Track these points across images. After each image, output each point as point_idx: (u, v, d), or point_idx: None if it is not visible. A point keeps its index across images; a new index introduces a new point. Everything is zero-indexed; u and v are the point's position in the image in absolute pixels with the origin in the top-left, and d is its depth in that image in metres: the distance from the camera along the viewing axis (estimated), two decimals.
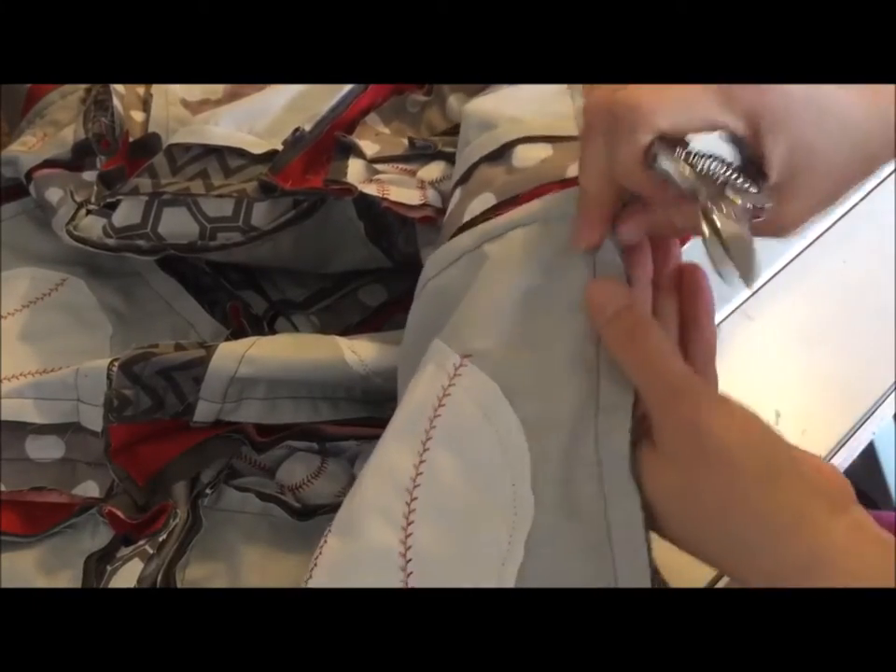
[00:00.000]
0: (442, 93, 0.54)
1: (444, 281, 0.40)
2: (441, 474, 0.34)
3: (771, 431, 0.31)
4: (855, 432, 0.52)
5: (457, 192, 0.43)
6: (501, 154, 0.42)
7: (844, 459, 0.51)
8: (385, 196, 0.46)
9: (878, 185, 0.66)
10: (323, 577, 0.35)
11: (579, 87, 0.45)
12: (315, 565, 0.35)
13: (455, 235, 0.41)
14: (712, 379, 0.36)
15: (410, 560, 0.33)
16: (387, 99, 0.56)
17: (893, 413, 0.56)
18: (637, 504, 0.31)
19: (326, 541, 0.35)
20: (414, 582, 0.33)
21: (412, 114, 0.56)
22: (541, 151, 0.41)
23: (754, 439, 0.30)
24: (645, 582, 0.30)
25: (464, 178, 0.43)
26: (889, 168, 0.67)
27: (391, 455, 0.35)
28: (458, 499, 0.33)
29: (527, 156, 0.41)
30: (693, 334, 0.36)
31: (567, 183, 0.38)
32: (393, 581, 0.33)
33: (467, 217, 0.40)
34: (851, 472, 0.56)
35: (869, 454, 0.98)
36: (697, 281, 0.37)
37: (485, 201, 0.40)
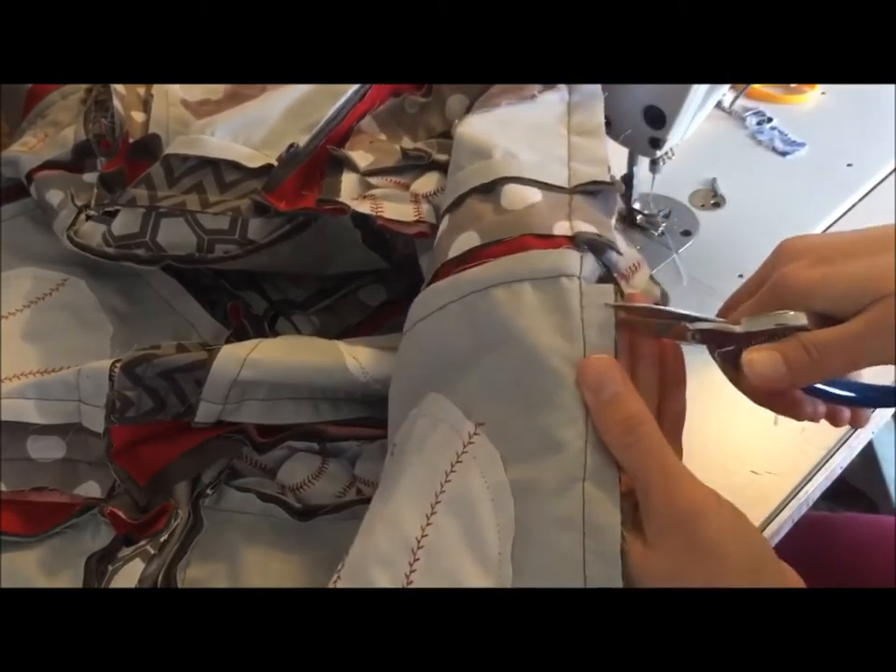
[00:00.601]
0: (442, 94, 0.54)
1: (434, 328, 0.40)
2: (443, 538, 0.34)
3: (756, 530, 0.33)
4: (854, 432, 0.52)
5: (446, 219, 0.43)
6: (492, 189, 0.42)
7: (843, 459, 0.51)
8: (378, 213, 0.46)
9: (878, 185, 0.66)
10: None
11: (576, 126, 0.45)
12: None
13: (439, 271, 0.41)
14: (678, 449, 0.36)
15: None
16: (385, 102, 0.56)
17: (893, 412, 0.56)
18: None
19: (337, 581, 0.36)
20: None
21: (410, 115, 0.55)
22: (530, 195, 0.41)
23: (743, 535, 0.32)
24: None
25: (454, 206, 0.43)
26: (888, 167, 0.67)
27: (403, 511, 0.36)
28: (454, 562, 0.34)
29: (516, 197, 0.40)
30: (665, 404, 0.37)
31: (550, 240, 0.38)
32: None
33: (451, 254, 0.40)
34: (851, 472, 0.56)
35: (869, 454, 0.98)
36: (677, 359, 0.38)
37: (470, 239, 0.40)
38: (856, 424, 0.39)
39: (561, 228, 0.39)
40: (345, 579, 0.36)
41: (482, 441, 0.36)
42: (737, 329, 0.35)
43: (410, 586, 0.34)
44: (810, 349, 0.33)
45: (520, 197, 0.40)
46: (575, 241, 0.38)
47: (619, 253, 0.39)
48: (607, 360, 0.34)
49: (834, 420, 0.38)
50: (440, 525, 0.35)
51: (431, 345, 0.40)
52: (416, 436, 0.38)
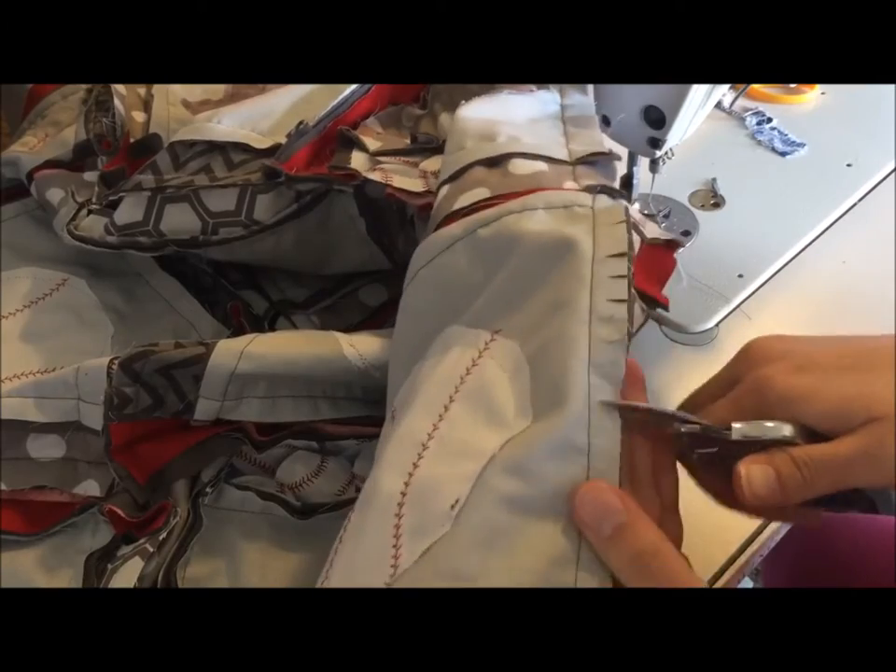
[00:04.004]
0: (434, 111, 0.56)
1: (438, 268, 0.40)
2: (455, 423, 0.34)
3: None
4: None
5: (445, 188, 0.44)
6: (498, 162, 0.43)
7: None
8: (388, 182, 0.46)
9: (878, 185, 0.66)
10: (345, 544, 0.35)
11: (571, 120, 0.47)
12: (340, 541, 0.36)
13: (442, 224, 0.41)
14: (677, 520, 0.35)
15: (405, 496, 0.33)
16: (385, 108, 0.56)
17: None
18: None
19: (350, 520, 0.36)
20: (403, 521, 0.33)
21: (407, 128, 0.57)
22: (537, 166, 0.42)
23: None
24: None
25: (454, 177, 0.43)
26: (888, 167, 0.67)
27: (413, 424, 0.35)
28: (466, 434, 0.34)
29: (524, 166, 0.42)
30: (662, 476, 0.35)
31: (564, 190, 0.39)
32: (388, 526, 0.33)
33: (457, 206, 0.41)
34: None
35: None
36: (673, 485, 0.35)
37: (479, 194, 0.41)
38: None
39: (570, 186, 0.40)
40: (356, 509, 0.35)
41: (499, 342, 0.36)
42: (730, 435, 0.33)
43: (416, 470, 0.33)
44: (801, 467, 0.32)
45: (528, 166, 0.42)
46: (587, 189, 0.39)
47: (629, 202, 0.40)
48: (602, 488, 0.31)
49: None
50: (452, 415, 0.34)
51: (438, 287, 0.40)
52: (426, 370, 0.38)
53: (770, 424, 0.33)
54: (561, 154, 0.43)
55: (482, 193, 0.41)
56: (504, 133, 0.45)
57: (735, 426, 0.33)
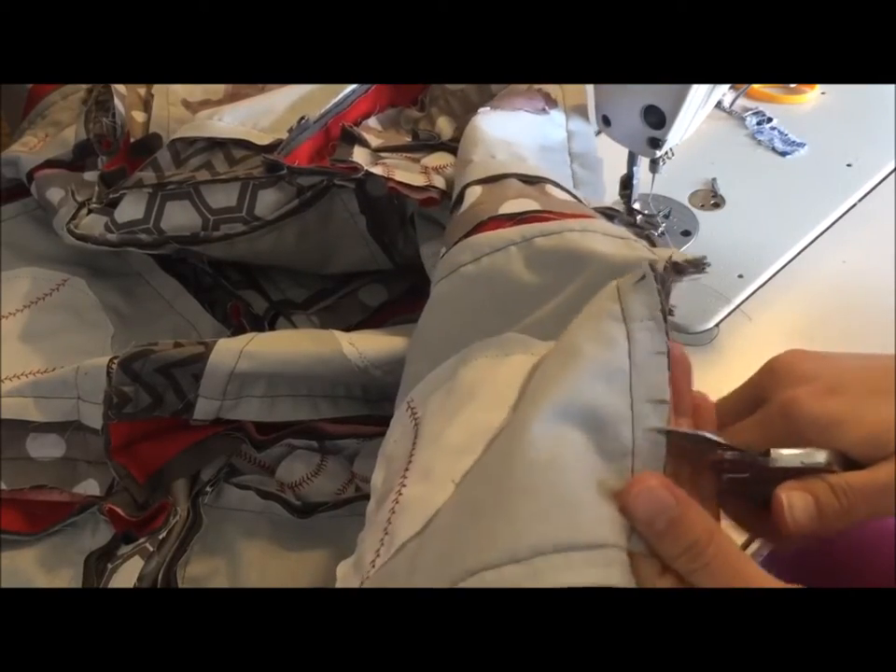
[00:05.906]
0: (431, 115, 0.56)
1: (488, 268, 0.40)
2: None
3: None
4: None
5: (477, 189, 0.44)
6: (534, 182, 0.45)
7: None
8: (390, 176, 0.47)
9: (878, 185, 0.66)
10: (405, 517, 0.34)
11: (577, 154, 0.51)
12: (393, 512, 0.35)
13: (482, 224, 0.42)
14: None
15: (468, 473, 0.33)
16: (384, 110, 0.57)
17: None
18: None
19: (401, 493, 0.35)
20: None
21: (406, 130, 0.57)
22: (568, 196, 0.44)
23: None
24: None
25: (487, 181, 0.44)
26: (888, 167, 0.67)
27: (475, 416, 0.34)
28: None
29: (558, 193, 0.44)
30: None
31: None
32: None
33: (503, 211, 0.42)
34: None
35: None
36: (709, 409, 0.35)
37: (527, 204, 0.42)
38: None
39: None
40: (413, 478, 0.34)
41: None
42: (769, 462, 0.33)
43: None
44: (840, 496, 0.31)
45: (561, 194, 0.44)
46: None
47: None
48: (652, 483, 0.30)
49: None
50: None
51: (487, 286, 0.40)
52: (480, 370, 0.37)
53: (807, 451, 0.33)
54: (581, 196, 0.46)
55: (530, 204, 0.42)
56: (531, 158, 0.47)
57: (779, 453, 0.33)
